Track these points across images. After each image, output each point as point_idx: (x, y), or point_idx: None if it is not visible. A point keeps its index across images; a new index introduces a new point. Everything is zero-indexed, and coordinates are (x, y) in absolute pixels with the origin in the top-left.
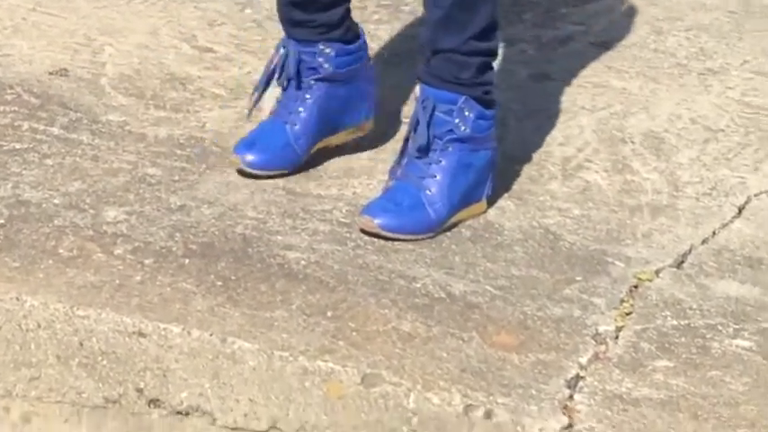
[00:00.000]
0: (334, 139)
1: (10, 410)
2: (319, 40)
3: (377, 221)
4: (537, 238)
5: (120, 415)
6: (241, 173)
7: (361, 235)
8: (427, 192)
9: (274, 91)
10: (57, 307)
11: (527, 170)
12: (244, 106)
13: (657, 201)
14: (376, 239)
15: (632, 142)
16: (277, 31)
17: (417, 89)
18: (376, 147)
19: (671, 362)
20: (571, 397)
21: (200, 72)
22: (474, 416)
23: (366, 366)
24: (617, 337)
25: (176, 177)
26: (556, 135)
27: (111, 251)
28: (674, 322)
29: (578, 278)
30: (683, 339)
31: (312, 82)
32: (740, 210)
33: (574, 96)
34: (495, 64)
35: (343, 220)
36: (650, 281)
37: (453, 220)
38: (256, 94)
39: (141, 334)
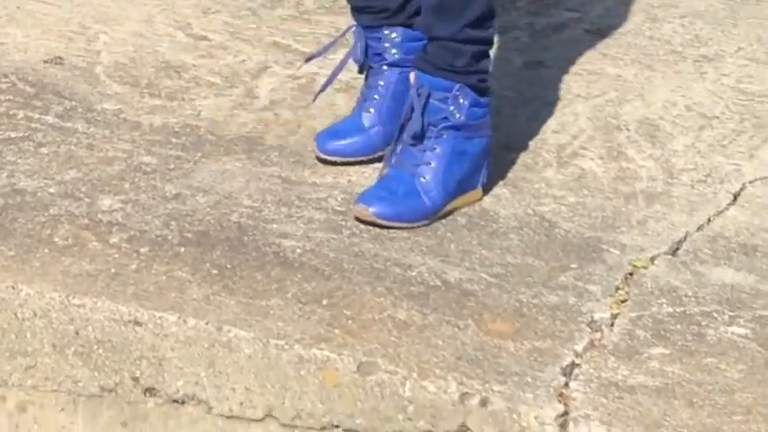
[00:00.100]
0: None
1: (6, 399)
2: (383, 24)
3: (372, 210)
4: (532, 226)
5: (116, 404)
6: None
7: (357, 223)
8: (422, 179)
9: None
10: (52, 296)
11: (522, 158)
12: (239, 94)
13: (652, 188)
14: (371, 227)
15: (627, 129)
16: (271, 19)
17: (412, 76)
18: None
19: (666, 349)
20: (567, 384)
21: (194, 60)
22: (470, 404)
23: (362, 354)
24: (612, 325)
25: (171, 166)
26: (551, 122)
27: (107, 240)
28: (670, 309)
29: (573, 265)
30: (678, 326)
31: (384, 67)
32: (735, 197)
33: (569, 84)
34: (491, 52)
35: (338, 208)
36: (645, 268)
37: (449, 207)
38: (325, 80)
39: (137, 322)
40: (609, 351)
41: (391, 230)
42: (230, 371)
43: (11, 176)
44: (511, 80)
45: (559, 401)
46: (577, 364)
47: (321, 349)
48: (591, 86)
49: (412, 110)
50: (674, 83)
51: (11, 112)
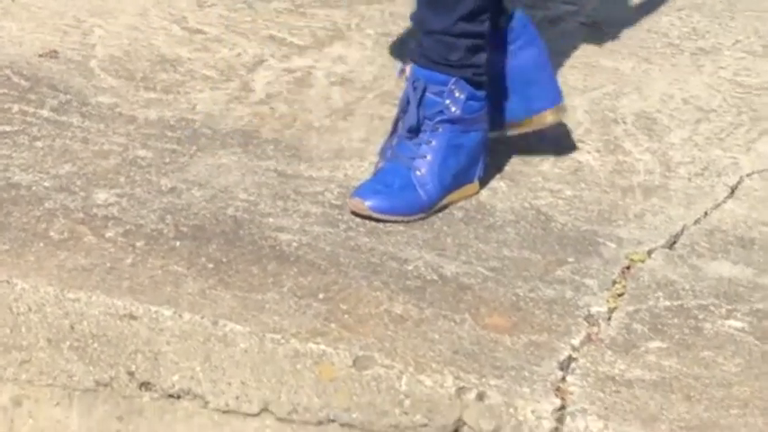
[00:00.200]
0: None
1: (1, 394)
2: None
3: (368, 203)
4: (529, 220)
5: (112, 398)
6: None
7: (353, 217)
8: (417, 172)
9: None
10: (47, 290)
11: (519, 151)
12: (234, 87)
13: (650, 181)
14: (367, 221)
15: (624, 123)
16: (267, 12)
17: (408, 69)
18: (367, 128)
19: (663, 343)
20: (563, 378)
21: (190, 53)
22: (466, 398)
23: (358, 349)
24: (609, 319)
25: (167, 159)
26: None
27: (102, 234)
28: (667, 303)
29: (570, 259)
30: (675, 320)
31: None
32: (732, 190)
33: (565, 77)
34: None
35: (334, 202)
36: (642, 262)
37: (445, 201)
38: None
39: (132, 317)
40: (606, 345)
41: (387, 224)
42: (226, 365)
43: (6, 170)
44: None
45: (556, 395)
46: (574, 358)
47: (317, 343)
48: (588, 79)
49: (408, 103)
50: (672, 76)
51: (5, 106)
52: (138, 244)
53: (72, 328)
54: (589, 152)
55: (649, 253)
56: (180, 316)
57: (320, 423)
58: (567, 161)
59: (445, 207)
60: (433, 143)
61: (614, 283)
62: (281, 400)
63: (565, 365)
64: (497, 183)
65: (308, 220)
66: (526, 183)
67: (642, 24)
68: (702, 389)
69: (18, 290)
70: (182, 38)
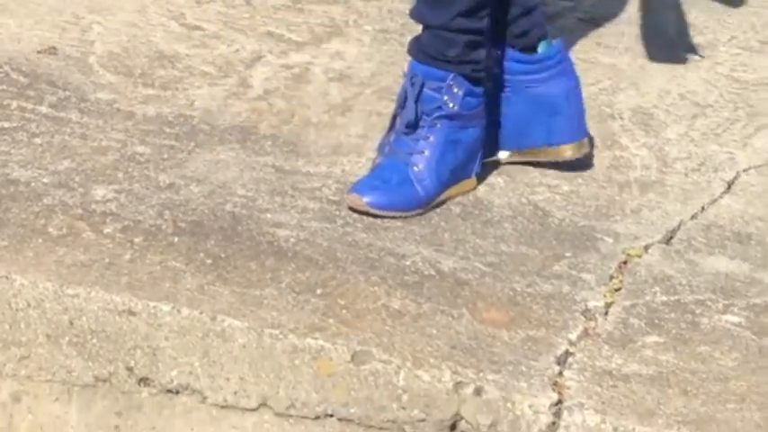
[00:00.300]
0: None
1: (0, 390)
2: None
3: (365, 199)
4: (526, 215)
5: (111, 393)
6: None
7: (351, 212)
8: (415, 168)
9: None
10: (46, 286)
11: None
12: (233, 83)
13: (646, 176)
14: (365, 217)
15: (621, 118)
16: (265, 9)
17: (407, 65)
18: (365, 124)
19: (660, 337)
20: (561, 373)
21: (188, 50)
22: (464, 392)
23: (356, 344)
24: (606, 313)
25: (165, 155)
26: None
27: (101, 230)
28: (664, 298)
29: (567, 254)
30: (672, 315)
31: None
32: (729, 185)
33: None
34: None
35: (332, 197)
36: (639, 257)
37: (442, 197)
38: None
39: (131, 312)
40: (603, 340)
41: (385, 220)
42: (224, 360)
43: (4, 167)
44: None
45: (553, 390)
46: (571, 353)
47: (315, 339)
48: (585, 75)
49: (405, 99)
50: (668, 71)
51: (4, 103)
52: (137, 240)
53: (71, 323)
54: None
55: (646, 248)
56: (178, 311)
57: (318, 418)
58: None
59: (443, 203)
60: (431, 139)
61: (611, 278)
62: (279, 395)
63: (562, 360)
64: (495, 178)
65: (306, 216)
66: (523, 178)
67: (639, 20)
68: (699, 383)
69: (17, 286)
70: (180, 34)
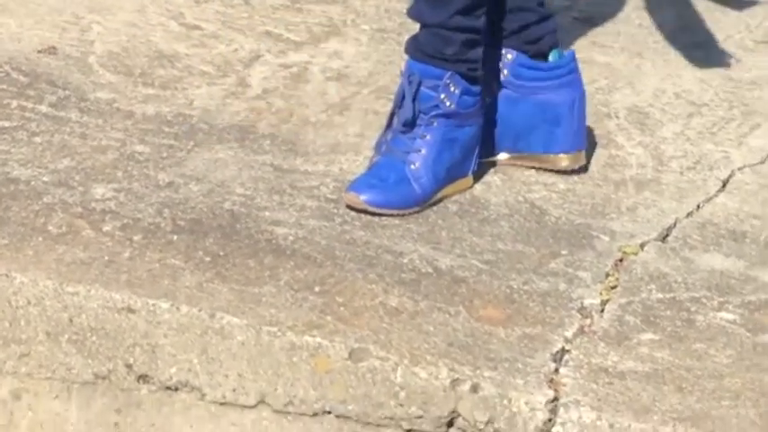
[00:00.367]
0: None
1: (0, 387)
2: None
3: (363, 197)
4: (523, 213)
5: (110, 391)
6: None
7: (348, 211)
8: (412, 166)
9: None
10: (46, 284)
11: None
12: (231, 83)
13: (642, 175)
14: (363, 215)
15: (617, 117)
16: (263, 8)
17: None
18: (362, 123)
19: (656, 335)
20: (557, 370)
21: (187, 49)
22: (460, 389)
23: (353, 341)
24: (602, 311)
25: (164, 154)
26: None
27: (100, 228)
28: (659, 295)
29: (564, 252)
30: (667, 312)
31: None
32: (724, 183)
33: None
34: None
35: (330, 196)
36: (635, 254)
37: (439, 195)
38: None
39: (130, 310)
40: (599, 337)
41: (382, 218)
42: (223, 358)
43: (4, 165)
44: None
45: (550, 387)
46: (567, 350)
47: (313, 336)
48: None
49: (403, 97)
50: (664, 70)
51: (4, 102)
52: (136, 238)
53: (71, 321)
54: None
55: (642, 246)
56: (177, 309)
57: (316, 415)
58: None
59: (440, 201)
60: (428, 137)
61: (607, 275)
62: (277, 392)
63: (558, 357)
64: (491, 177)
65: (304, 214)
66: (520, 176)
67: (634, 20)
68: (694, 380)
69: (17, 283)
70: (179, 34)
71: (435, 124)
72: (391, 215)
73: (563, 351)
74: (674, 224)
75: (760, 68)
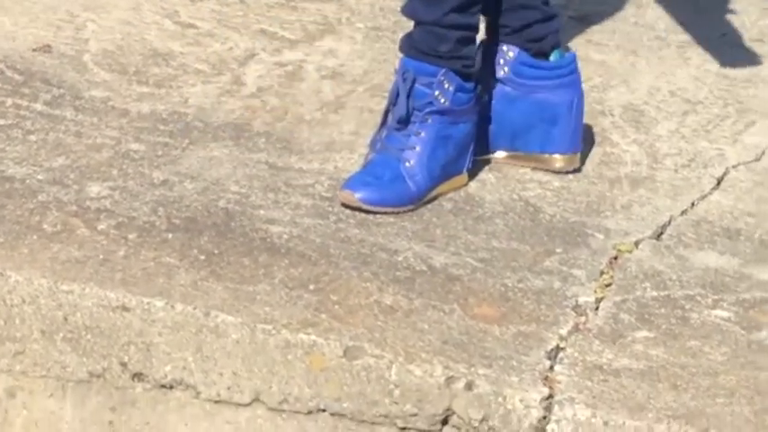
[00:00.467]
0: None
1: None
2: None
3: (357, 195)
4: (517, 211)
5: (105, 389)
6: None
7: (343, 209)
8: (406, 164)
9: None
10: (41, 282)
11: None
12: (226, 81)
13: (637, 173)
14: (357, 213)
15: (612, 115)
16: (258, 7)
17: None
18: (357, 121)
19: (650, 332)
20: (551, 368)
21: (182, 48)
22: (455, 387)
23: (348, 339)
24: (597, 309)
25: (159, 152)
26: None
27: (95, 226)
28: (654, 293)
29: (558, 250)
30: (662, 310)
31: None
32: (719, 181)
33: None
34: (477, 38)
35: (324, 194)
36: (630, 252)
37: (434, 192)
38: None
39: (125, 308)
40: (593, 335)
41: (377, 216)
42: (218, 356)
43: None
44: None
45: (544, 385)
46: (562, 348)
47: (308, 334)
48: None
49: (397, 95)
50: (659, 68)
51: None
52: (131, 236)
53: (65, 319)
54: None
55: (636, 244)
56: (172, 307)
57: (311, 413)
58: None
59: (434, 198)
60: (422, 134)
61: (602, 273)
62: (272, 390)
63: (553, 355)
64: (486, 174)
65: (299, 212)
66: (514, 174)
67: (629, 18)
68: (689, 378)
69: (12, 282)
70: (174, 32)
71: (430, 121)
72: (386, 213)
73: (558, 349)
74: (669, 222)
75: (754, 66)
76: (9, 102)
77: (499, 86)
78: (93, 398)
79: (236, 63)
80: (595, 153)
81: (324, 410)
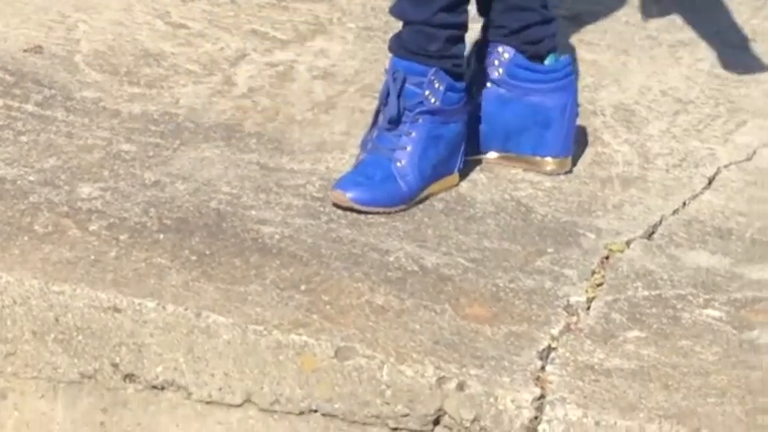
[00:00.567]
0: None
1: None
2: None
3: (349, 195)
4: (509, 211)
5: (96, 390)
6: None
7: (335, 209)
8: (398, 164)
9: None
10: (32, 283)
11: None
12: (217, 82)
13: (628, 172)
14: (349, 213)
15: (603, 114)
16: (249, 7)
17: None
18: (348, 121)
19: (642, 332)
20: (543, 368)
21: (173, 48)
22: (447, 387)
23: (340, 339)
24: (588, 308)
25: (151, 153)
26: None
27: (86, 227)
28: (645, 293)
29: (550, 250)
30: (653, 310)
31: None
32: (710, 181)
33: None
34: (468, 38)
35: (316, 194)
36: (621, 252)
37: (425, 192)
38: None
39: (116, 309)
40: (585, 334)
41: (369, 216)
42: (209, 356)
43: None
44: None
45: (536, 385)
46: (554, 348)
47: (299, 334)
48: None
49: (388, 95)
50: (650, 68)
51: None
52: (122, 237)
53: (57, 320)
54: None
55: (628, 243)
56: (163, 308)
57: (302, 413)
58: None
59: (426, 198)
60: (413, 134)
61: (593, 273)
62: (263, 390)
63: (544, 355)
64: (477, 174)
65: (290, 213)
66: (506, 174)
67: (621, 17)
68: (680, 377)
69: (3, 283)
70: (165, 33)
71: (420, 121)
72: (377, 213)
73: (549, 349)
74: (660, 221)
75: (746, 66)
76: (0, 103)
77: (493, 88)
78: (85, 399)
79: (228, 63)
80: (587, 153)
81: (315, 411)
